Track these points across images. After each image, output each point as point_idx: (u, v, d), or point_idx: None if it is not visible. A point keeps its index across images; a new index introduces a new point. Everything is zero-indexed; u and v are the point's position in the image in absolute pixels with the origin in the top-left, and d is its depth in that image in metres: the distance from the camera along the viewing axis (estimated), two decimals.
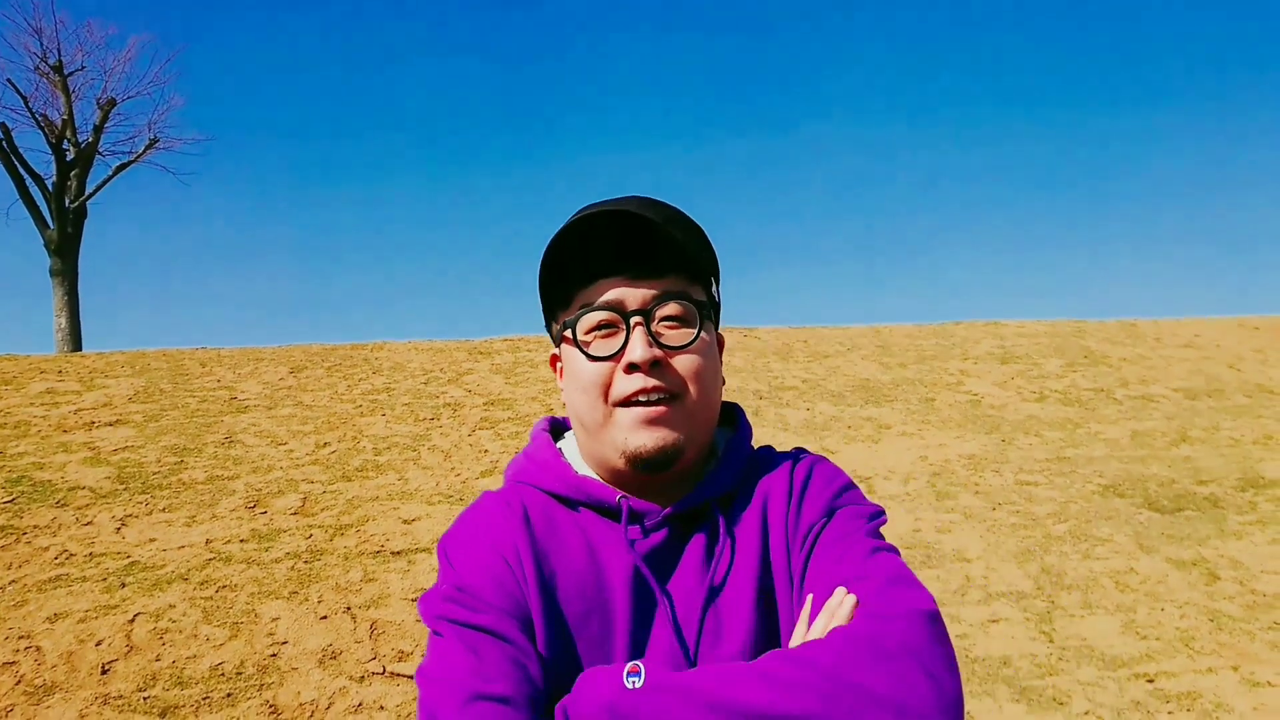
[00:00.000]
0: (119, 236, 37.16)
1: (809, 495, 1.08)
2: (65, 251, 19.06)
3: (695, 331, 1.05)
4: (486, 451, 7.65)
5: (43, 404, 8.60)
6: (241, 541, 5.61)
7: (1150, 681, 4.34)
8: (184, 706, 3.87)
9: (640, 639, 1.02)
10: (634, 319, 1.02)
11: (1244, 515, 6.65)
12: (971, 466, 7.69)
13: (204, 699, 3.93)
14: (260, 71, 41.46)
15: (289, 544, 5.59)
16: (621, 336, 1.03)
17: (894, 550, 1.04)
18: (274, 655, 4.31)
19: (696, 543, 1.06)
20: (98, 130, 19.92)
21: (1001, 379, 10.83)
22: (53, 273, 18.98)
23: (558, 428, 1.23)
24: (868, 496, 6.97)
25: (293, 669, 4.21)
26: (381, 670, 4.23)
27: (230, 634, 4.47)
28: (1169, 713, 4.05)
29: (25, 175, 18.85)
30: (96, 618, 4.56)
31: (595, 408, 1.04)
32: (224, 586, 4.96)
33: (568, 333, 1.07)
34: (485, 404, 9.18)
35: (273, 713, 3.88)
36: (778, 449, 1.20)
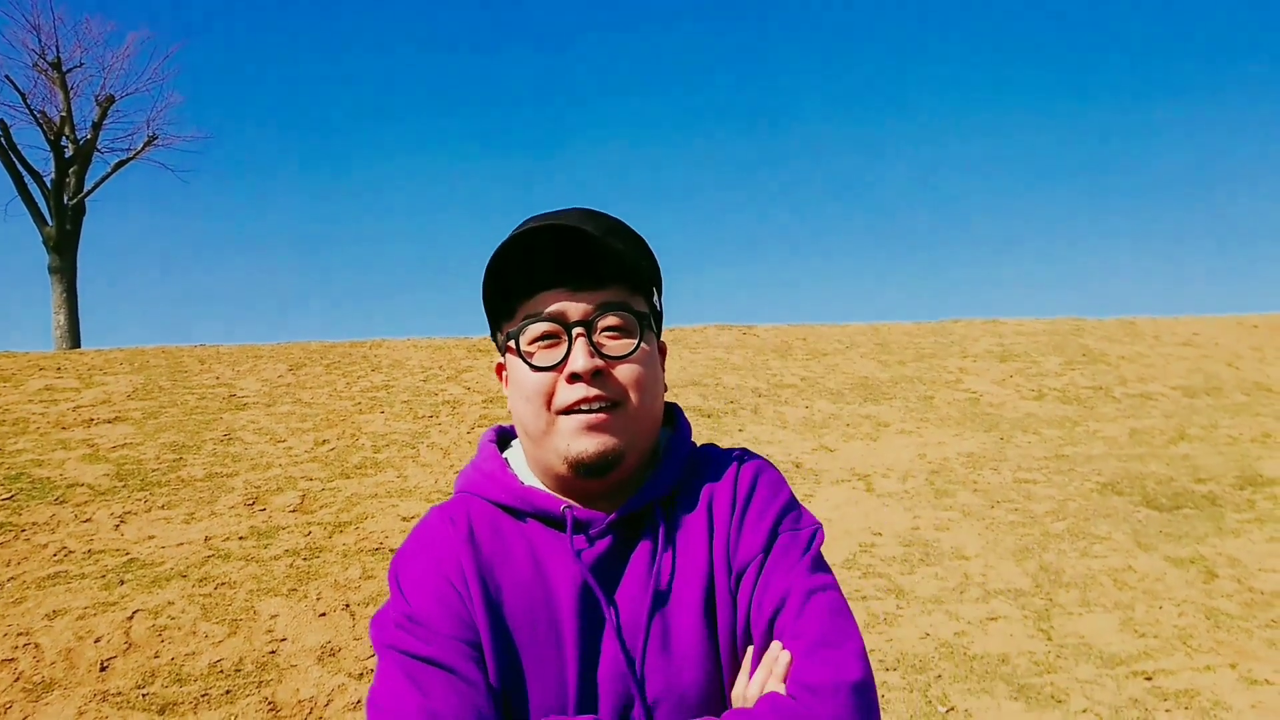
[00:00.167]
0: (118, 233, 37.14)
1: (751, 514, 1.10)
2: (64, 248, 19.04)
3: (636, 342, 1.07)
4: None
5: (41, 401, 8.59)
6: (240, 539, 5.61)
7: (1148, 679, 4.34)
8: (183, 703, 3.88)
9: (589, 650, 1.03)
10: (576, 330, 1.05)
11: (1242, 513, 6.66)
12: (970, 464, 7.69)
13: (203, 696, 3.93)
14: (259, 68, 41.43)
15: (288, 541, 5.59)
16: (564, 347, 1.05)
17: (829, 582, 1.07)
18: (273, 652, 4.31)
19: (641, 548, 1.08)
20: (96, 127, 19.90)
21: (1000, 377, 10.84)
22: (51, 270, 18.96)
23: (505, 437, 1.25)
24: (866, 495, 6.94)
25: (291, 666, 4.21)
26: None
27: (229, 631, 4.47)
28: (1167, 710, 4.06)
29: (24, 172, 18.83)
30: (95, 615, 4.57)
31: (539, 416, 1.06)
32: (223, 583, 4.96)
33: (512, 343, 1.10)
34: (484, 401, 9.18)
35: (271, 710, 3.88)
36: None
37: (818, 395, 9.88)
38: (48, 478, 6.55)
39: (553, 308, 1.06)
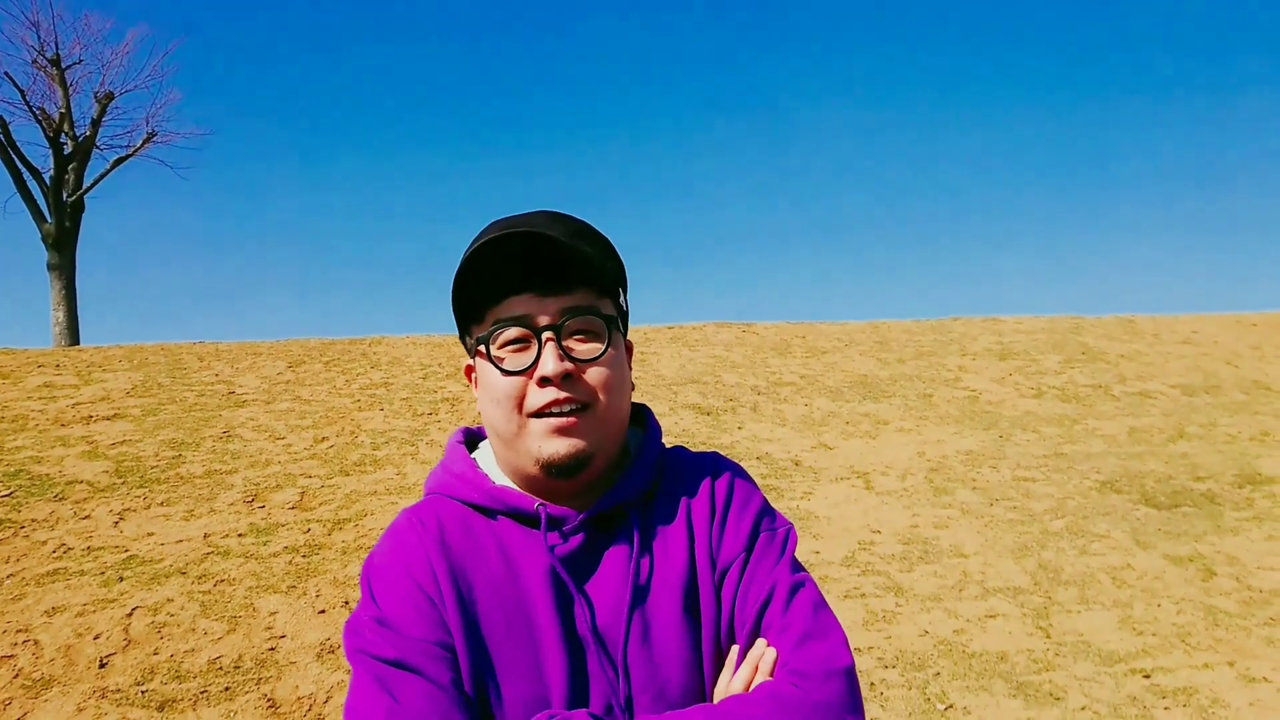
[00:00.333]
0: (117, 230, 37.08)
1: (731, 516, 1.14)
2: (63, 245, 19.03)
3: (604, 346, 1.09)
4: None
5: (40, 398, 8.59)
6: (239, 535, 5.61)
7: (1146, 677, 4.35)
8: (182, 700, 3.88)
9: (567, 644, 1.05)
10: (545, 334, 1.07)
11: (1241, 511, 6.66)
12: (969, 462, 7.70)
13: (202, 692, 3.94)
14: (258, 65, 41.37)
15: (287, 538, 5.60)
16: (533, 351, 1.07)
17: (808, 579, 1.12)
18: (272, 649, 4.32)
19: (616, 548, 1.10)
20: (95, 124, 19.88)
21: (999, 375, 10.85)
22: (50, 266, 18.95)
23: (472, 438, 1.27)
24: (865, 492, 6.95)
25: (291, 663, 4.22)
26: None
27: (228, 628, 4.47)
28: (1165, 708, 4.07)
29: (23, 169, 18.81)
30: (94, 611, 4.57)
31: (510, 419, 1.08)
32: (222, 580, 4.96)
33: (482, 347, 1.11)
34: None
35: (271, 706, 3.88)
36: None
37: (817, 393, 9.89)
38: (47, 474, 6.55)
39: (522, 312, 1.07)
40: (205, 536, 5.58)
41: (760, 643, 1.06)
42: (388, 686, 0.98)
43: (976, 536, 6.11)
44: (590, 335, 1.09)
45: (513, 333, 1.07)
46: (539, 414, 1.06)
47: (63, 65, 19.61)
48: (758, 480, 6.25)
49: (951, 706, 4.06)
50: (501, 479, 1.15)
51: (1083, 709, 4.05)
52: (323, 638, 4.44)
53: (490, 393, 1.10)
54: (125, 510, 5.98)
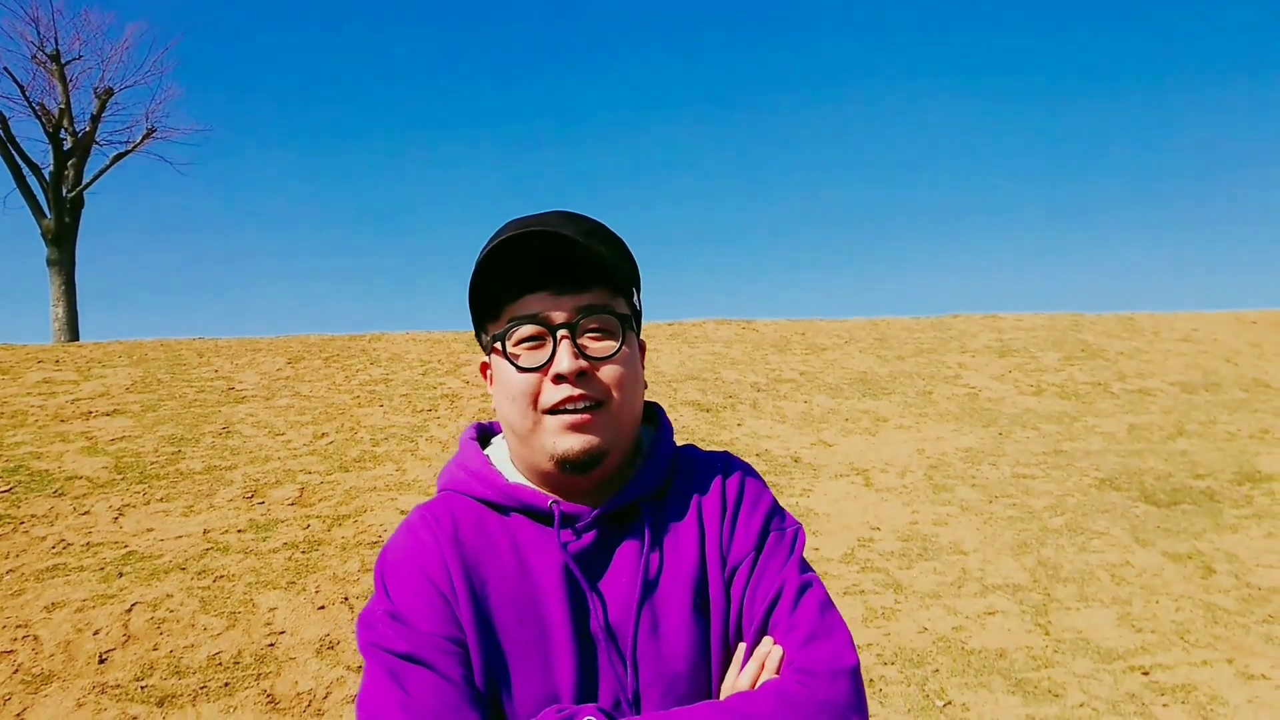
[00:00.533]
0: (116, 226, 37.09)
1: (741, 515, 1.16)
2: (62, 241, 19.01)
3: (618, 344, 1.11)
4: None
5: (40, 394, 8.59)
6: (239, 532, 5.61)
7: (1145, 674, 4.35)
8: (181, 696, 3.88)
9: (577, 638, 1.06)
10: (560, 332, 1.08)
11: (1240, 509, 6.67)
12: (968, 459, 7.70)
13: (201, 688, 3.94)
14: (257, 62, 41.35)
15: (286, 534, 5.60)
16: (548, 348, 1.09)
17: (816, 579, 1.14)
18: (271, 645, 4.32)
19: (628, 544, 1.12)
20: (95, 119, 19.86)
21: (999, 372, 10.85)
22: (50, 262, 18.94)
23: (485, 433, 1.29)
24: (864, 489, 6.95)
25: (290, 659, 4.22)
26: None
27: (228, 624, 4.47)
28: (1164, 705, 4.07)
29: (22, 164, 18.79)
30: (94, 607, 4.57)
31: (525, 415, 1.10)
32: (221, 576, 4.97)
33: (497, 344, 1.13)
34: (483, 395, 9.18)
35: (270, 702, 3.88)
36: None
37: (816, 390, 9.89)
38: (46, 470, 6.55)
39: (537, 310, 1.09)
40: (205, 532, 5.59)
41: (767, 640, 1.07)
42: (399, 679, 1.00)
43: (976, 533, 6.11)
44: (604, 334, 1.11)
45: (528, 330, 1.09)
46: (553, 410, 1.08)
47: (62, 61, 19.59)
48: None
49: (950, 703, 4.07)
50: (515, 475, 1.17)
51: (1081, 706, 4.06)
52: (322, 633, 4.44)
53: (505, 389, 1.12)
54: (125, 506, 5.98)
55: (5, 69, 18.60)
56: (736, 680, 1.06)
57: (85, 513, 5.84)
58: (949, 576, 5.44)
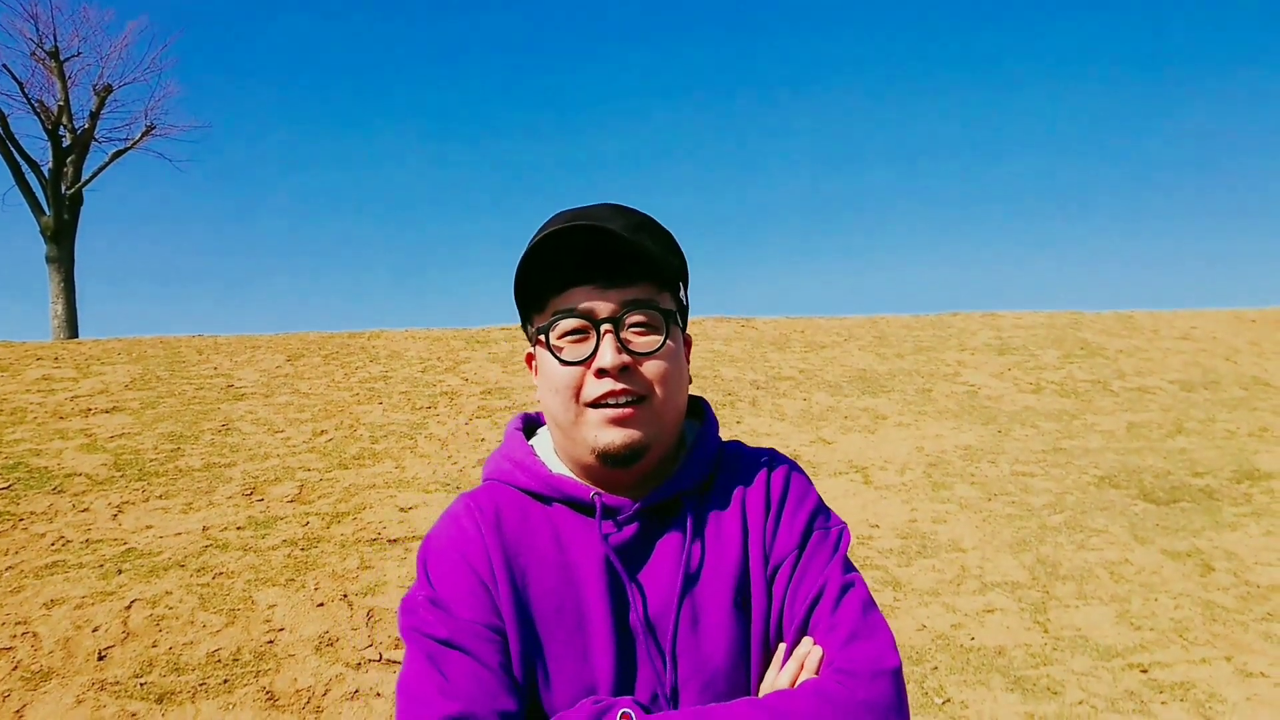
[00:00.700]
0: (115, 223, 37.06)
1: (786, 512, 1.15)
2: (61, 238, 19.00)
3: (662, 339, 1.11)
4: (483, 440, 7.65)
5: (39, 391, 8.59)
6: (238, 529, 5.61)
7: (1144, 672, 4.36)
8: (180, 693, 3.88)
9: (617, 630, 1.07)
10: (604, 327, 1.08)
11: (1239, 507, 6.67)
12: (968, 457, 7.70)
13: (200, 685, 3.94)
14: (257, 58, 41.30)
15: (286, 531, 5.60)
16: (592, 342, 1.09)
17: (859, 579, 1.13)
18: (271, 642, 4.32)
19: (669, 538, 1.12)
20: (94, 116, 19.84)
21: (998, 370, 10.85)
22: (49, 259, 18.93)
23: (531, 424, 1.30)
24: (864, 487, 6.95)
25: (289, 656, 4.22)
26: (378, 657, 4.24)
27: (227, 621, 4.47)
28: (1162, 703, 4.07)
29: (21, 161, 18.77)
30: (93, 604, 4.57)
31: (568, 408, 1.10)
32: (221, 573, 4.97)
33: (542, 337, 1.13)
34: (482, 393, 9.18)
35: (269, 699, 3.88)
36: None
37: (816, 388, 9.89)
38: (45, 467, 6.55)
39: (582, 304, 1.09)
40: (204, 529, 5.58)
41: (807, 640, 1.07)
42: (438, 664, 1.02)
43: (975, 531, 6.11)
44: (649, 328, 1.10)
45: (572, 323, 1.09)
46: (596, 404, 1.08)
47: (61, 58, 19.56)
48: None
49: (949, 700, 4.07)
50: (559, 466, 1.18)
51: (1080, 703, 4.06)
52: (321, 630, 4.44)
53: (549, 382, 1.12)
54: (124, 503, 5.98)
55: (4, 66, 18.59)
56: (776, 679, 1.05)
57: (84, 510, 5.84)
58: (948, 574, 5.45)
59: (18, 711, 3.70)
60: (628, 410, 1.07)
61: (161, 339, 11.47)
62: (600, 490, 1.12)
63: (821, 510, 1.17)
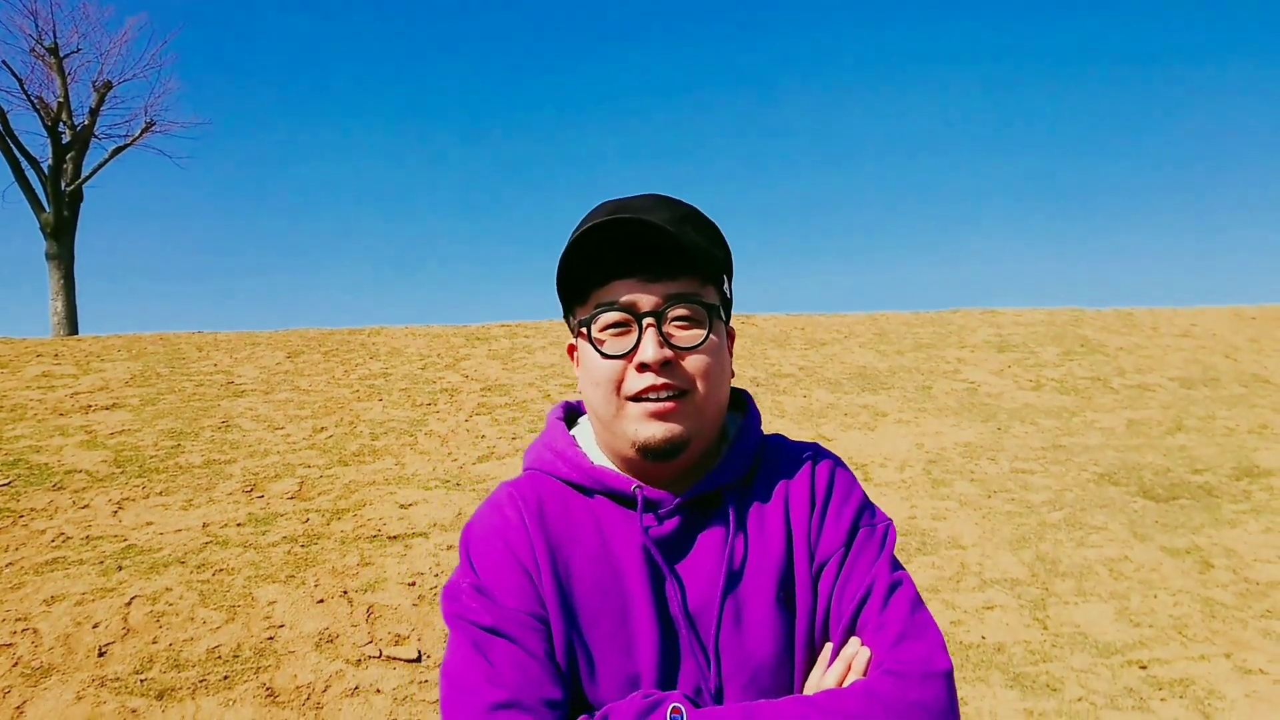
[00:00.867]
0: (116, 220, 37.04)
1: (831, 509, 1.14)
2: (61, 235, 18.99)
3: (705, 333, 1.09)
4: (483, 437, 7.65)
5: (39, 387, 8.59)
6: (238, 525, 5.62)
7: (1143, 668, 4.36)
8: (180, 689, 3.89)
9: (659, 624, 1.06)
10: (646, 320, 1.07)
11: (1238, 504, 6.67)
12: (967, 454, 7.71)
13: (200, 681, 3.94)
14: (257, 54, 41.26)
15: (286, 528, 5.60)
16: (634, 336, 1.08)
17: (907, 578, 1.11)
18: (271, 638, 4.32)
19: (711, 531, 1.11)
20: (94, 113, 19.82)
21: (998, 367, 10.85)
22: (49, 256, 18.92)
23: (573, 413, 1.29)
24: (863, 484, 6.95)
25: (290, 652, 4.22)
26: (378, 654, 4.24)
27: (227, 617, 4.48)
28: (1161, 699, 4.08)
29: (21, 158, 18.75)
30: (93, 600, 4.57)
31: (609, 401, 1.09)
32: (221, 570, 4.97)
33: (584, 329, 1.12)
34: (482, 389, 9.18)
35: (269, 695, 3.89)
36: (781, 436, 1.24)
37: (816, 385, 9.89)
38: (45, 464, 6.55)
39: (624, 297, 1.08)
40: (204, 526, 5.59)
41: (854, 641, 1.05)
42: (483, 651, 1.02)
43: (974, 528, 6.12)
44: (691, 322, 1.09)
45: (614, 316, 1.08)
46: (636, 398, 1.07)
47: (61, 54, 19.54)
48: None
49: None
50: (600, 457, 1.17)
51: (1079, 700, 4.07)
52: (321, 627, 4.44)
53: (590, 374, 1.11)
54: (124, 500, 5.98)
55: (3, 62, 18.56)
56: (822, 679, 1.04)
57: (84, 506, 5.84)
58: (947, 571, 5.45)
59: (18, 708, 3.71)
60: (669, 404, 1.06)
61: (161, 335, 11.47)
62: (641, 483, 1.11)
63: (867, 506, 1.16)
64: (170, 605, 4.56)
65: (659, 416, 1.06)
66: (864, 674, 1.02)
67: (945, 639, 0.99)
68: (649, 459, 1.08)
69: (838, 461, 1.21)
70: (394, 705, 3.90)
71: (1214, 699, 4.07)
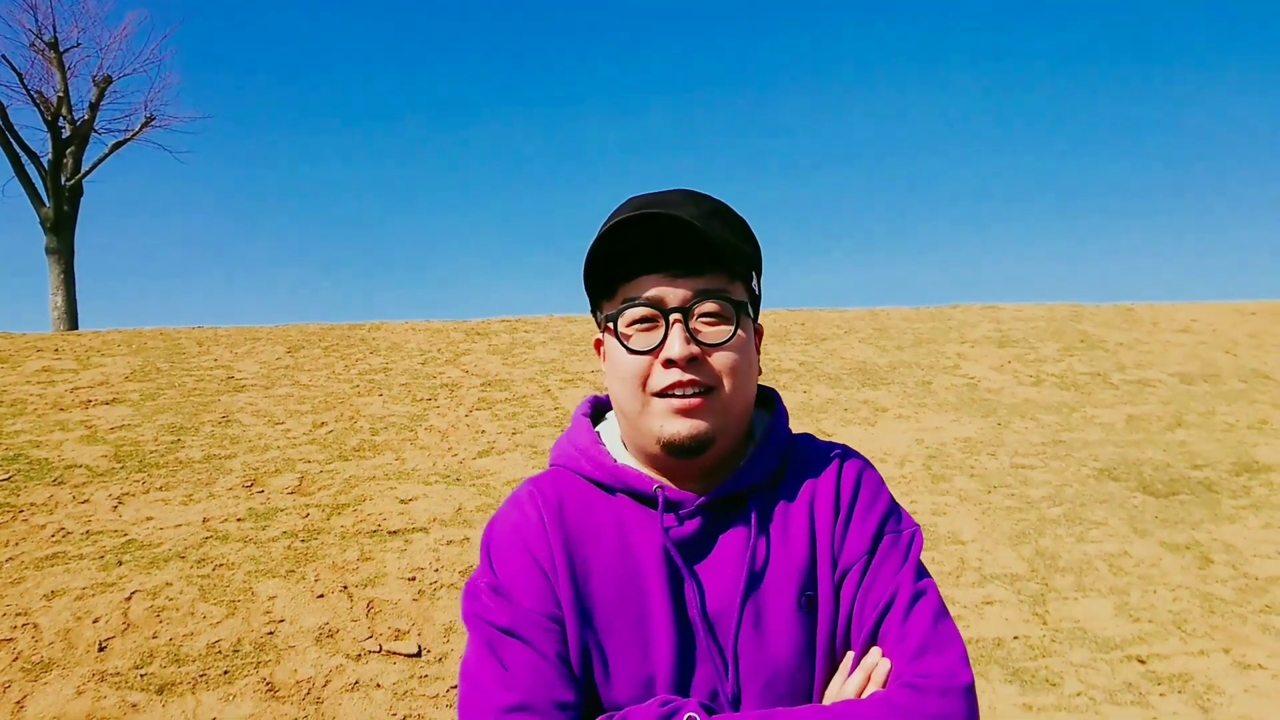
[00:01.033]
0: (115, 215, 37.01)
1: (856, 513, 1.12)
2: (61, 229, 18.98)
3: (732, 329, 1.09)
4: (483, 432, 7.65)
5: (39, 382, 8.59)
6: (238, 520, 5.62)
7: (1142, 663, 4.37)
8: (181, 684, 3.89)
9: (678, 625, 1.05)
10: (673, 316, 1.06)
11: (1237, 499, 6.67)
12: (967, 449, 7.71)
13: (201, 676, 3.95)
14: (257, 49, 41.20)
15: (286, 523, 5.60)
16: (661, 331, 1.07)
17: (931, 587, 1.09)
18: (271, 633, 4.33)
19: (733, 533, 1.10)
20: (93, 108, 19.80)
21: (998, 362, 10.84)
22: (49, 251, 18.91)
23: (600, 408, 1.27)
24: None
25: (290, 647, 4.23)
26: (378, 649, 4.25)
27: (227, 612, 4.48)
28: (1160, 694, 4.08)
29: (21, 153, 18.74)
30: (94, 595, 4.58)
31: (634, 397, 1.08)
32: (221, 565, 4.97)
33: (610, 324, 1.11)
34: (482, 385, 9.18)
35: (269, 690, 3.89)
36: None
37: (816, 380, 9.89)
38: (45, 459, 6.55)
39: (652, 292, 1.07)
40: (204, 521, 5.59)
41: (875, 651, 1.03)
42: (498, 653, 1.02)
43: (974, 523, 6.12)
44: (719, 319, 1.08)
45: (641, 312, 1.07)
46: (662, 394, 1.06)
47: (61, 48, 19.51)
48: None
49: None
50: (624, 454, 1.17)
51: (1078, 695, 4.07)
52: (321, 622, 4.45)
53: (616, 369, 1.10)
54: (124, 495, 5.98)
55: (3, 57, 18.54)
56: (841, 689, 1.03)
57: (85, 501, 5.84)
58: (947, 566, 5.45)
59: (18, 702, 3.71)
60: (695, 401, 1.05)
61: (161, 330, 11.46)
62: (664, 483, 1.10)
63: (894, 512, 1.13)
64: (170, 600, 4.57)
65: (685, 413, 1.05)
66: (883, 686, 1.00)
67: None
68: (674, 455, 1.07)
69: (866, 463, 1.19)
70: (394, 700, 3.90)
71: (1213, 694, 4.08)
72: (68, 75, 19.60)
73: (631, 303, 1.08)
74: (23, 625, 4.28)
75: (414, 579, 4.91)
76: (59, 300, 18.76)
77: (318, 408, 8.20)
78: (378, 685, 3.99)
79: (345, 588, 4.79)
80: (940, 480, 6.95)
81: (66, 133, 19.37)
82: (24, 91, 18.75)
